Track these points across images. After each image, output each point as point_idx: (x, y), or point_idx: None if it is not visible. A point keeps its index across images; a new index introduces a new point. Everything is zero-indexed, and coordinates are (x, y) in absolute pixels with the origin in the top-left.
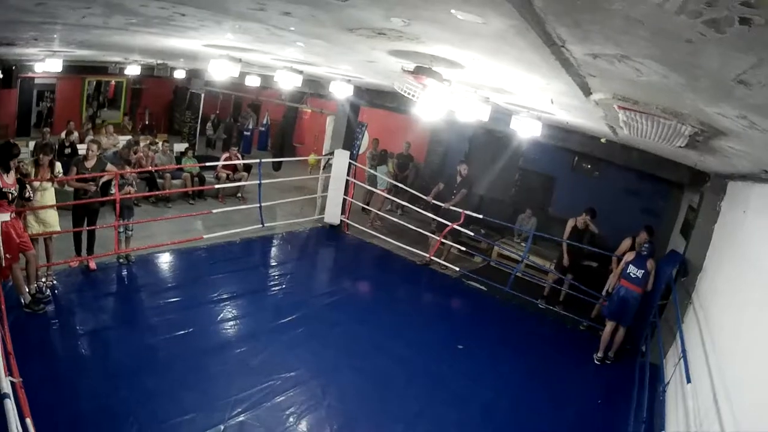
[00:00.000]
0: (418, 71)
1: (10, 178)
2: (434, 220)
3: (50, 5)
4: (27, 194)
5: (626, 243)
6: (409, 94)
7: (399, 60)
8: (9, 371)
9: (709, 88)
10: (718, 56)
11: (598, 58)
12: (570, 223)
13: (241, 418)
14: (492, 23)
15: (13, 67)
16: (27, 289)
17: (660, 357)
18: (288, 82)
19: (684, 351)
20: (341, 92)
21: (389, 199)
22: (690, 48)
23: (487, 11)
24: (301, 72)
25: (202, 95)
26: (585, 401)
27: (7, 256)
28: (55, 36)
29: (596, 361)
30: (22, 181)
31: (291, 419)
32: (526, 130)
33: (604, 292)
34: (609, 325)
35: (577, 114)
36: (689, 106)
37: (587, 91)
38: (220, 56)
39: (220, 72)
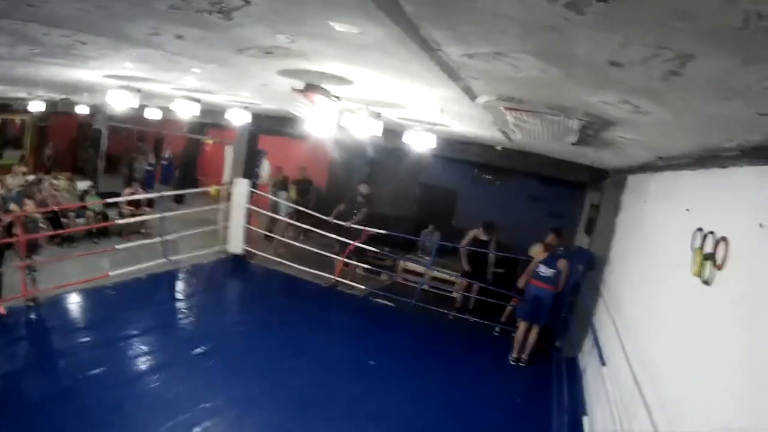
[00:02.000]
0: (307, 89)
1: None
2: (338, 241)
3: None
4: None
5: (537, 248)
6: (299, 113)
7: (290, 80)
8: None
9: (587, 76)
10: (586, 40)
11: (474, 58)
12: (472, 233)
13: None
14: (369, 33)
15: None
16: None
17: (575, 350)
18: (186, 111)
19: (596, 338)
20: (238, 119)
21: (292, 224)
22: (558, 36)
23: (362, 21)
24: (198, 100)
25: (103, 131)
26: (506, 402)
27: None
28: None
29: (511, 362)
30: None
31: None
32: (420, 144)
33: (514, 290)
34: (522, 325)
35: (468, 123)
36: (572, 99)
37: (472, 95)
38: (119, 87)
39: (118, 103)
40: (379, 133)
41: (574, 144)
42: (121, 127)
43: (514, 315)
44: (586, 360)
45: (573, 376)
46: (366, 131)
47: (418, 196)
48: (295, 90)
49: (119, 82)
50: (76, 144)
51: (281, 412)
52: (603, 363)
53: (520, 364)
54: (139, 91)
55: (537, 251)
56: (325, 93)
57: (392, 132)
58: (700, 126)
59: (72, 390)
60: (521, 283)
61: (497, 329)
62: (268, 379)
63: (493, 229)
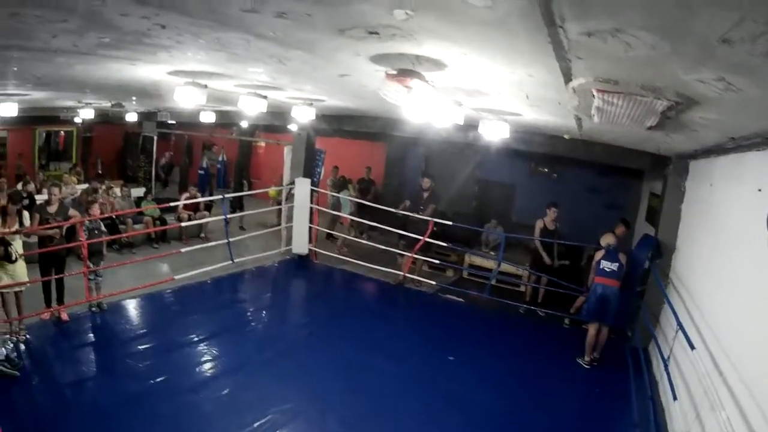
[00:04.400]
0: (403, 74)
1: None
2: (403, 237)
3: (24, 16)
4: (14, 256)
5: (608, 237)
6: (391, 99)
7: (378, 68)
8: None
9: (694, 53)
10: (709, 17)
11: (592, 36)
12: (538, 224)
13: None
14: (499, 6)
15: None
16: None
17: (652, 336)
18: (252, 108)
19: (680, 323)
20: (303, 116)
21: (356, 221)
22: (682, 13)
23: None
24: (265, 97)
25: (155, 138)
26: (583, 393)
27: None
28: (15, 69)
29: (585, 365)
30: (6, 241)
31: None
32: (495, 133)
33: (585, 288)
34: (592, 328)
35: (547, 109)
36: (669, 78)
37: (568, 78)
38: (185, 83)
39: (186, 100)
40: (461, 120)
41: (649, 128)
42: (169, 134)
43: (582, 317)
44: (667, 347)
45: (648, 367)
46: (449, 119)
47: (476, 192)
48: (389, 75)
49: (184, 79)
50: (123, 153)
51: (363, 408)
52: (692, 347)
53: (593, 363)
54: (206, 86)
55: (608, 240)
56: (421, 77)
57: (457, 125)
58: None
59: (142, 395)
60: (590, 281)
61: (567, 321)
62: (346, 378)
63: (557, 207)
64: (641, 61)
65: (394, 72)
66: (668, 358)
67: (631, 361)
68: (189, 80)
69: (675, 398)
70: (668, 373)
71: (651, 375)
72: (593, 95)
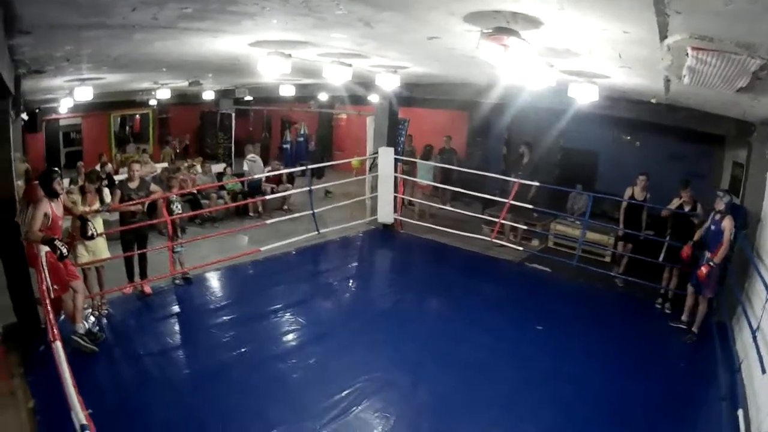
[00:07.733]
0: (500, 32)
1: (59, 208)
2: (490, 204)
3: None
4: (90, 233)
5: (675, 203)
6: (490, 59)
7: (471, 27)
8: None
9: None
10: None
11: None
12: (627, 192)
13: (334, 426)
14: None
15: (37, 111)
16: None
17: (741, 307)
18: (337, 78)
19: None
20: (388, 84)
21: (440, 188)
22: None
23: None
24: (350, 65)
25: (233, 115)
26: (669, 366)
27: (55, 287)
28: (90, 52)
29: (683, 327)
30: (84, 218)
31: (389, 421)
32: (584, 96)
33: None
34: (689, 289)
35: (637, 70)
36: (765, 34)
37: (664, 35)
38: (269, 54)
39: (270, 70)
40: (554, 83)
41: (738, 90)
42: (248, 111)
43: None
44: (755, 319)
45: (734, 337)
46: (542, 81)
47: (559, 159)
48: (485, 35)
49: (266, 50)
50: (201, 132)
51: (452, 377)
52: None
53: (681, 325)
54: (290, 56)
55: (676, 205)
56: (518, 35)
57: (543, 90)
58: None
59: (228, 366)
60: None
61: (663, 304)
62: (436, 348)
63: (647, 176)
64: (739, 16)
65: (490, 30)
66: (756, 329)
67: (717, 334)
68: (272, 50)
69: (764, 371)
70: (757, 345)
71: (736, 348)
72: (687, 54)
